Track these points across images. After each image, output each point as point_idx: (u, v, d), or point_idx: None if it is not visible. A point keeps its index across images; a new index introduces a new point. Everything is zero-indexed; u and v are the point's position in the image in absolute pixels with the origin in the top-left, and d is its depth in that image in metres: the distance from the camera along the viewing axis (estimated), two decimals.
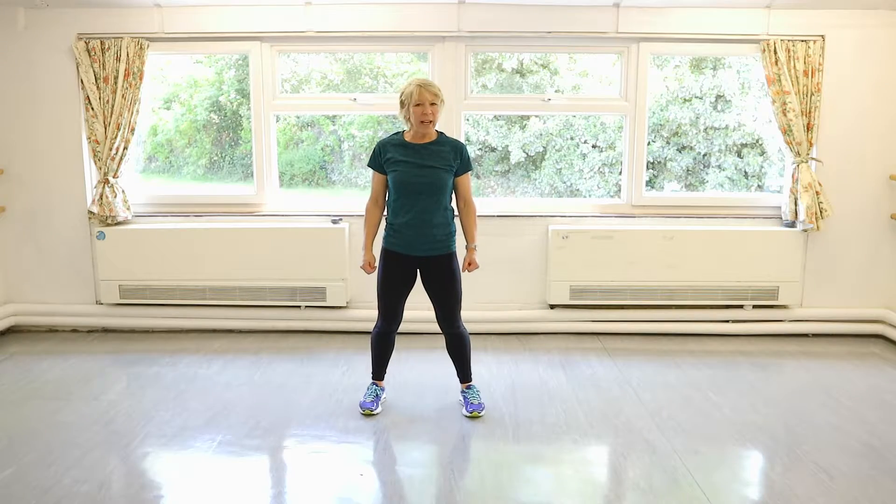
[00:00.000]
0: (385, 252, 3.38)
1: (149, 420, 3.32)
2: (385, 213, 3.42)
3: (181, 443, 3.11)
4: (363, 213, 3.45)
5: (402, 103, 3.25)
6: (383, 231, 3.41)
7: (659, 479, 2.79)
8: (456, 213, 3.40)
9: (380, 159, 3.32)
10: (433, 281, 3.36)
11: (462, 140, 3.39)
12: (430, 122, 3.22)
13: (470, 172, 3.38)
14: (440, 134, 3.32)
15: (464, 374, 3.51)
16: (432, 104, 3.19)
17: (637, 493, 2.70)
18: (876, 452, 3.03)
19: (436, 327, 4.64)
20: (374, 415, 3.38)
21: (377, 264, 3.41)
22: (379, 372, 3.52)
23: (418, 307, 4.57)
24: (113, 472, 2.84)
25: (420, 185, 3.25)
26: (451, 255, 3.36)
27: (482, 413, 3.37)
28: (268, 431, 3.22)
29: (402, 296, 3.42)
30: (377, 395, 3.47)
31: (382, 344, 3.49)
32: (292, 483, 2.84)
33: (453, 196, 3.39)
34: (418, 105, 3.19)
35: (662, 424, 3.29)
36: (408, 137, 3.30)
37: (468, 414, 3.37)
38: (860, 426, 3.29)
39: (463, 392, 3.49)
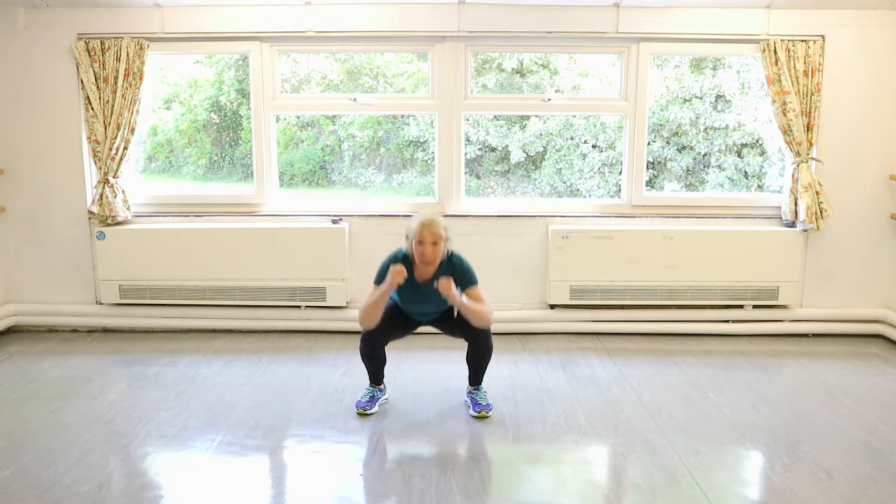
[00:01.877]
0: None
1: (149, 420, 3.32)
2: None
3: (181, 443, 3.11)
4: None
5: (406, 237, 3.26)
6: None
7: (659, 479, 2.79)
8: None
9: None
10: (448, 324, 3.40)
11: (464, 259, 3.33)
12: (430, 262, 3.21)
13: (476, 285, 3.29)
14: (442, 263, 3.26)
15: (476, 379, 3.50)
16: (434, 244, 3.17)
17: (637, 493, 2.70)
18: (876, 452, 3.03)
19: (437, 329, 4.65)
20: (368, 414, 3.38)
21: (393, 278, 3.17)
22: (374, 378, 3.51)
23: None
24: (113, 472, 2.84)
25: (426, 307, 3.36)
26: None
27: (490, 413, 3.37)
28: (268, 431, 3.22)
29: (392, 333, 3.42)
30: (374, 396, 3.47)
31: (371, 360, 3.45)
32: (292, 483, 2.84)
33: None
34: (420, 244, 3.18)
35: (662, 424, 3.29)
36: (414, 268, 3.28)
37: (475, 414, 3.37)
38: (860, 426, 3.29)
39: (470, 392, 3.48)
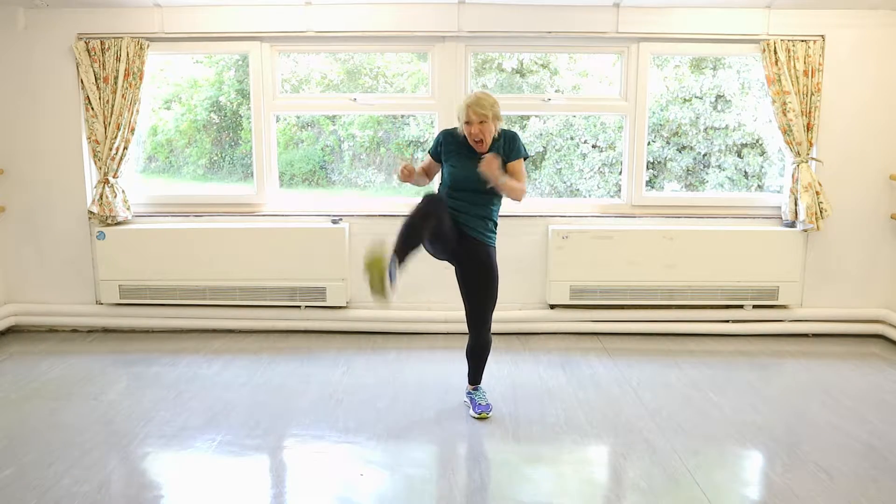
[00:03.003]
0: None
1: (149, 420, 3.32)
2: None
3: (181, 443, 3.11)
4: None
5: (458, 118, 3.24)
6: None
7: (659, 479, 2.79)
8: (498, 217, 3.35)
9: (439, 148, 3.34)
10: (468, 272, 3.29)
11: (513, 132, 3.30)
12: (480, 141, 3.18)
13: (522, 159, 3.27)
14: (495, 140, 3.24)
15: (475, 376, 3.50)
16: (481, 122, 3.14)
17: (637, 493, 2.70)
18: (876, 452, 3.03)
19: (437, 327, 4.65)
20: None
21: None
22: (401, 251, 3.01)
23: (419, 307, 4.59)
24: (113, 472, 2.84)
25: (474, 182, 3.19)
26: (490, 250, 3.30)
27: (490, 414, 3.37)
28: (268, 431, 3.22)
29: (446, 223, 3.17)
30: (390, 269, 2.97)
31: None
32: (292, 483, 2.84)
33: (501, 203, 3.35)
34: (467, 123, 3.17)
35: (662, 424, 3.29)
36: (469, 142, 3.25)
37: (476, 415, 3.36)
38: (860, 426, 3.29)
39: (469, 393, 3.48)
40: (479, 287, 3.30)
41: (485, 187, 3.18)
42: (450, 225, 3.19)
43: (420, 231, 3.04)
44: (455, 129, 3.34)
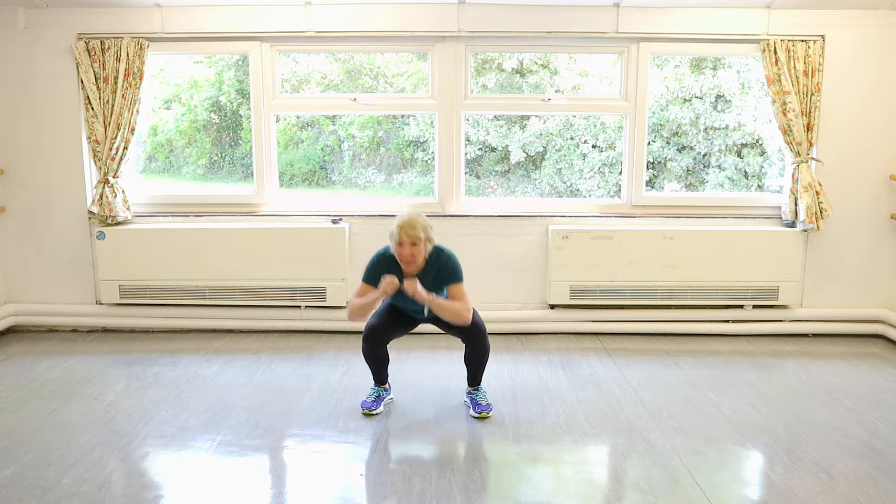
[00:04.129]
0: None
1: (149, 420, 3.32)
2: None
3: (181, 443, 3.11)
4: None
5: (389, 236, 3.25)
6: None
7: (659, 479, 2.79)
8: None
9: (376, 277, 3.26)
10: (444, 323, 3.36)
11: (451, 255, 3.32)
12: (410, 263, 3.21)
13: (461, 283, 3.28)
14: (428, 259, 3.26)
15: (475, 379, 3.49)
16: (412, 245, 3.17)
17: (637, 493, 2.70)
18: (876, 452, 3.03)
19: (437, 327, 4.65)
20: (373, 415, 3.38)
21: (385, 288, 3.20)
22: (379, 378, 3.52)
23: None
24: (113, 472, 2.84)
25: (414, 304, 3.29)
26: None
27: (490, 414, 3.37)
28: (268, 431, 3.22)
29: (392, 331, 3.41)
30: (379, 395, 3.47)
31: (374, 360, 3.45)
32: (292, 483, 2.84)
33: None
34: (399, 245, 3.18)
35: (662, 424, 3.29)
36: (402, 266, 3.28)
37: (476, 415, 3.36)
38: (860, 426, 3.29)
39: (469, 393, 3.48)
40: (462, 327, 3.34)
41: (423, 310, 3.29)
42: (397, 324, 3.42)
43: (379, 357, 3.42)
44: (381, 255, 3.33)
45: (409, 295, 3.16)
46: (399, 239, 3.18)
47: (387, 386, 3.55)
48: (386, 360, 3.48)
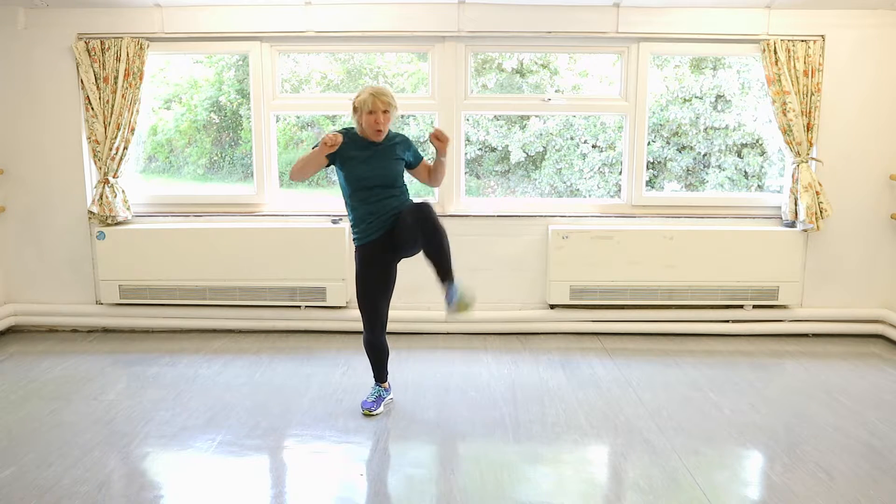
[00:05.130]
0: (358, 251, 3.34)
1: (149, 420, 3.32)
2: (347, 217, 3.39)
3: (181, 443, 3.11)
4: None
5: (354, 109, 3.26)
6: (351, 234, 3.36)
7: (659, 479, 2.79)
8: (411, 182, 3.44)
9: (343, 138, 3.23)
10: (398, 227, 3.22)
11: (462, 140, 3.38)
12: (381, 131, 3.23)
13: (425, 159, 3.44)
14: (390, 134, 3.33)
15: (444, 272, 3.06)
16: (385, 112, 3.20)
17: (637, 493, 2.70)
18: (876, 452, 3.03)
19: (437, 327, 4.66)
20: (373, 415, 3.38)
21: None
22: (379, 375, 3.52)
23: (418, 307, 4.58)
24: (113, 472, 2.84)
25: (374, 177, 3.25)
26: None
27: (468, 304, 2.99)
28: (268, 431, 3.22)
29: (384, 295, 3.36)
30: (380, 395, 3.47)
31: (374, 351, 3.47)
32: (292, 483, 2.84)
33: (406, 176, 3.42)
34: (371, 113, 3.20)
35: (662, 424, 3.29)
36: (363, 136, 3.29)
37: (451, 308, 3.01)
38: (860, 426, 3.29)
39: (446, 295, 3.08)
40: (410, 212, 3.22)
41: (388, 179, 3.27)
42: (387, 286, 3.37)
43: (380, 349, 3.47)
44: (342, 130, 3.30)
45: (442, 138, 3.24)
46: (372, 106, 3.18)
47: (387, 385, 3.55)
48: (386, 351, 3.48)
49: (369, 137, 3.27)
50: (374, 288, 3.33)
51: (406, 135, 3.43)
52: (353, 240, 3.36)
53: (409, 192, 3.38)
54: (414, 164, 3.41)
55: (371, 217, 3.27)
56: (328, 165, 3.28)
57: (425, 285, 4.42)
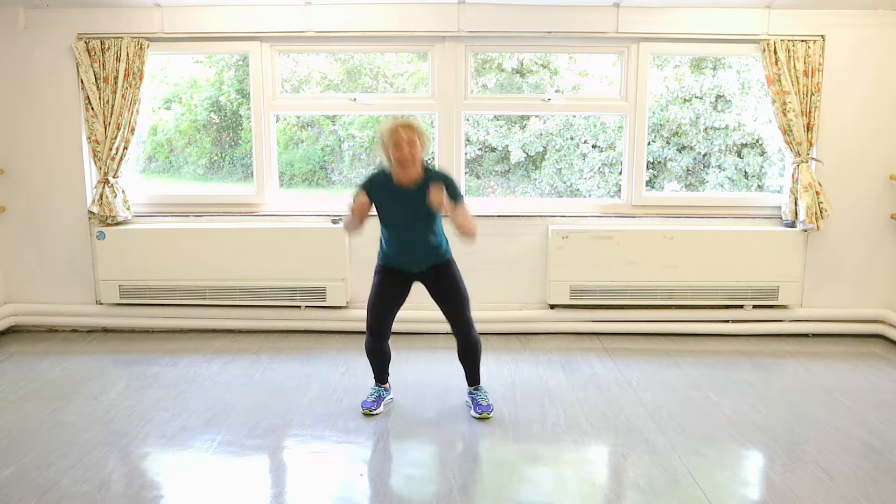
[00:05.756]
0: (380, 266, 3.35)
1: (149, 420, 3.32)
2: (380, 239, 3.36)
3: (181, 443, 3.11)
4: (371, 281, 3.39)
5: (382, 144, 3.14)
6: (378, 250, 3.37)
7: (659, 479, 2.79)
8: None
9: (367, 189, 3.20)
10: (436, 292, 3.34)
11: (448, 172, 3.28)
12: (409, 164, 3.10)
13: (461, 200, 3.21)
14: (426, 171, 3.20)
15: (473, 377, 3.48)
16: (410, 143, 3.07)
17: (637, 493, 2.70)
18: (876, 452, 3.03)
19: (437, 327, 4.65)
20: (373, 415, 3.38)
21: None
22: (380, 377, 3.52)
23: (419, 307, 4.57)
24: (113, 472, 2.84)
25: (409, 217, 3.20)
26: (449, 264, 3.33)
27: (491, 414, 3.36)
28: (268, 431, 3.22)
29: (391, 310, 3.38)
30: (380, 395, 3.47)
31: (374, 356, 3.46)
32: (292, 483, 2.84)
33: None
34: (396, 145, 3.07)
35: (662, 424, 3.29)
36: (394, 178, 3.18)
37: (477, 415, 3.36)
38: (860, 426, 3.28)
39: (471, 393, 3.48)
40: (451, 300, 3.32)
41: (425, 214, 3.17)
42: (393, 305, 3.39)
43: (381, 353, 3.45)
44: (374, 173, 3.26)
45: (433, 202, 3.03)
46: (395, 139, 3.05)
47: (387, 386, 3.55)
48: (387, 357, 3.48)
49: (400, 176, 3.15)
50: (384, 301, 3.35)
51: (445, 173, 3.26)
52: (378, 256, 3.35)
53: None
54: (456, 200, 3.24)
55: (398, 251, 3.27)
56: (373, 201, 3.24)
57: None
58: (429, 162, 3.29)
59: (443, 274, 3.31)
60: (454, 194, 3.18)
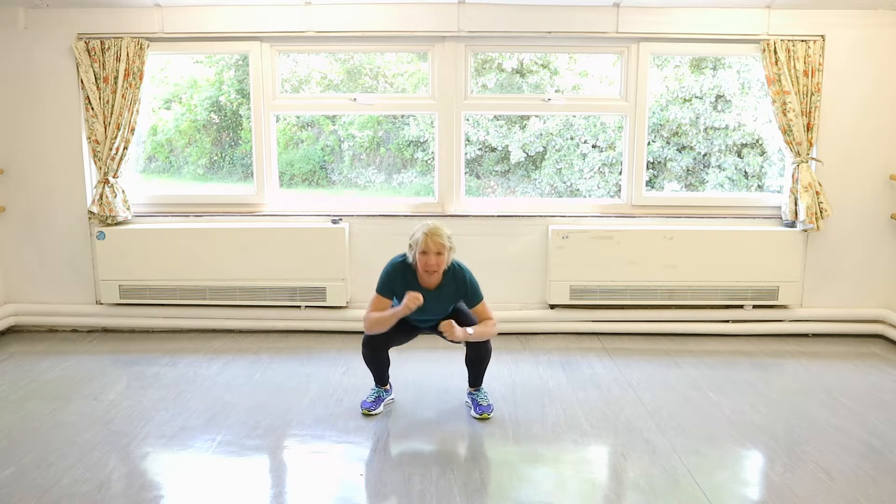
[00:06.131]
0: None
1: (149, 420, 3.32)
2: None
3: (181, 443, 3.11)
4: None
5: (409, 246, 3.22)
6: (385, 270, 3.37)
7: (659, 479, 2.79)
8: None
9: (391, 289, 3.28)
10: (456, 319, 3.33)
11: (468, 272, 3.36)
12: (434, 272, 3.19)
13: (482, 301, 3.32)
14: (445, 273, 3.27)
15: (476, 380, 3.49)
16: (438, 254, 3.15)
17: (637, 493, 2.70)
18: (876, 452, 3.03)
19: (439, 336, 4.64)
20: (373, 415, 3.38)
21: (409, 303, 3.19)
22: (380, 380, 3.51)
23: None
24: (113, 472, 2.84)
25: (429, 316, 3.31)
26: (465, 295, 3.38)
27: (491, 415, 3.37)
28: (268, 431, 3.22)
29: (391, 340, 3.39)
30: (379, 396, 3.47)
31: (374, 363, 3.44)
32: (292, 483, 2.84)
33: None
34: (424, 253, 3.16)
35: (662, 424, 3.29)
36: (418, 275, 3.26)
37: (477, 416, 3.36)
38: (860, 426, 3.29)
39: (471, 394, 3.48)
40: (467, 322, 3.33)
41: (442, 312, 3.31)
42: (401, 332, 3.38)
43: (379, 361, 3.41)
44: (396, 267, 3.29)
45: (448, 337, 3.17)
46: (424, 247, 3.15)
47: (388, 387, 3.55)
48: (386, 364, 3.48)
49: (422, 280, 3.24)
50: (393, 331, 3.32)
51: (466, 276, 3.31)
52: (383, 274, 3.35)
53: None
54: (470, 307, 3.34)
55: (413, 321, 3.36)
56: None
57: None
58: (452, 261, 3.31)
59: (457, 313, 3.38)
60: (474, 298, 3.31)
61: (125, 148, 4.47)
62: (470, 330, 3.22)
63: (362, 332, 3.43)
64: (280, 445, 3.13)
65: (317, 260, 4.54)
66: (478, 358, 3.41)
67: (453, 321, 3.19)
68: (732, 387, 3.78)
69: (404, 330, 3.41)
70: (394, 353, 3.57)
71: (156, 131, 6.12)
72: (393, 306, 3.30)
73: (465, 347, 3.41)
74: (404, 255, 3.31)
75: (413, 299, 3.13)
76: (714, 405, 3.53)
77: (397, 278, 3.28)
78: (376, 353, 3.39)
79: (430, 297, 3.25)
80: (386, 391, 3.52)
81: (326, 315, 4.65)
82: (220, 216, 4.68)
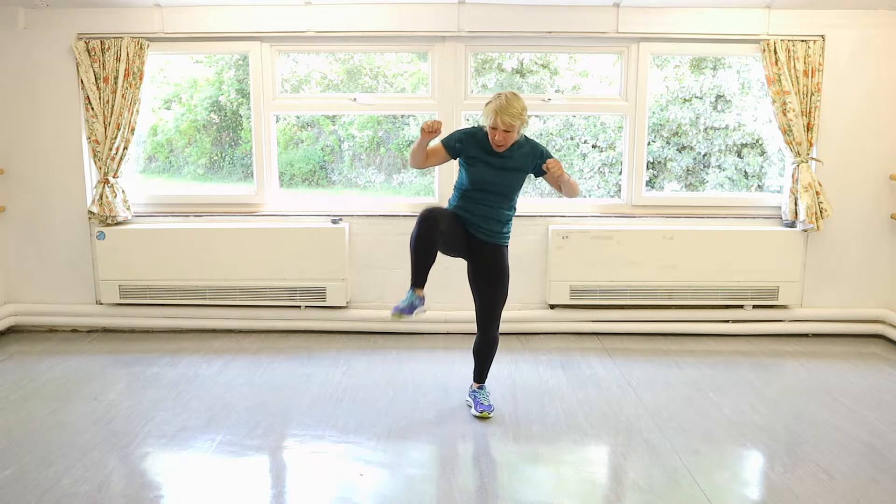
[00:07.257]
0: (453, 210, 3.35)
1: (149, 420, 3.32)
2: (454, 196, 3.38)
3: (181, 443, 3.11)
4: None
5: (485, 111, 3.18)
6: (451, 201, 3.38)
7: (659, 479, 2.79)
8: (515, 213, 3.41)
9: (457, 146, 3.26)
10: (480, 272, 3.34)
11: (537, 142, 3.35)
12: (502, 147, 3.18)
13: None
14: (519, 137, 3.25)
15: (481, 375, 3.49)
16: (506, 132, 3.13)
17: (637, 493, 2.70)
18: (876, 452, 3.03)
19: (436, 327, 4.65)
20: (402, 319, 3.17)
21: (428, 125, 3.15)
22: (418, 278, 3.16)
23: None
24: (113, 472, 2.84)
25: (494, 185, 3.25)
26: (504, 250, 3.36)
27: (491, 414, 3.37)
28: (268, 431, 3.22)
29: (446, 231, 3.20)
30: (413, 304, 3.16)
31: (425, 244, 3.11)
32: (292, 483, 2.84)
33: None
34: (493, 129, 3.15)
35: (662, 424, 3.29)
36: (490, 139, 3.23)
37: (478, 414, 3.36)
38: (860, 426, 3.29)
39: (473, 392, 3.48)
40: (492, 287, 3.34)
41: (507, 190, 3.27)
42: (454, 230, 3.25)
43: (429, 250, 3.14)
44: (474, 130, 3.30)
45: (554, 172, 3.17)
46: (494, 123, 3.12)
47: (422, 294, 3.21)
48: (432, 256, 3.16)
49: (494, 143, 3.21)
50: (451, 226, 3.23)
51: (536, 141, 3.33)
52: (452, 207, 3.36)
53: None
54: (541, 172, 3.31)
55: (468, 213, 3.29)
56: (454, 158, 3.29)
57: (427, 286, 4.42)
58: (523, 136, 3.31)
59: (496, 257, 3.34)
60: (548, 156, 3.30)
61: (125, 148, 4.47)
62: (568, 177, 3.27)
63: (362, 333, 3.43)
64: (280, 445, 3.13)
65: (317, 260, 4.54)
66: (486, 343, 3.40)
67: (559, 162, 3.21)
68: (732, 387, 3.78)
69: (458, 235, 3.28)
70: (394, 353, 3.57)
71: (156, 131, 6.12)
72: (459, 164, 3.31)
73: (474, 341, 3.41)
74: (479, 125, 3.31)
75: (429, 123, 3.11)
76: (714, 405, 3.53)
77: (467, 141, 3.25)
78: (431, 231, 3.09)
79: (505, 160, 3.23)
80: (420, 299, 3.19)
81: (326, 315, 4.65)
82: (220, 216, 4.68)
